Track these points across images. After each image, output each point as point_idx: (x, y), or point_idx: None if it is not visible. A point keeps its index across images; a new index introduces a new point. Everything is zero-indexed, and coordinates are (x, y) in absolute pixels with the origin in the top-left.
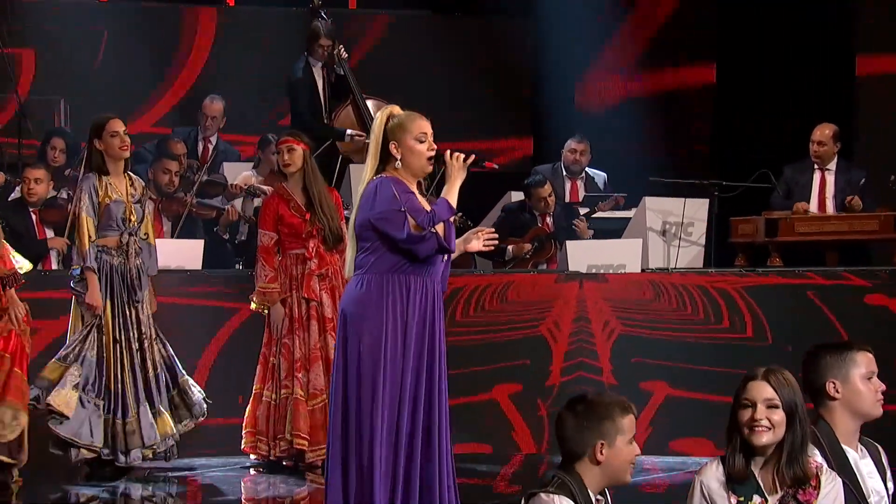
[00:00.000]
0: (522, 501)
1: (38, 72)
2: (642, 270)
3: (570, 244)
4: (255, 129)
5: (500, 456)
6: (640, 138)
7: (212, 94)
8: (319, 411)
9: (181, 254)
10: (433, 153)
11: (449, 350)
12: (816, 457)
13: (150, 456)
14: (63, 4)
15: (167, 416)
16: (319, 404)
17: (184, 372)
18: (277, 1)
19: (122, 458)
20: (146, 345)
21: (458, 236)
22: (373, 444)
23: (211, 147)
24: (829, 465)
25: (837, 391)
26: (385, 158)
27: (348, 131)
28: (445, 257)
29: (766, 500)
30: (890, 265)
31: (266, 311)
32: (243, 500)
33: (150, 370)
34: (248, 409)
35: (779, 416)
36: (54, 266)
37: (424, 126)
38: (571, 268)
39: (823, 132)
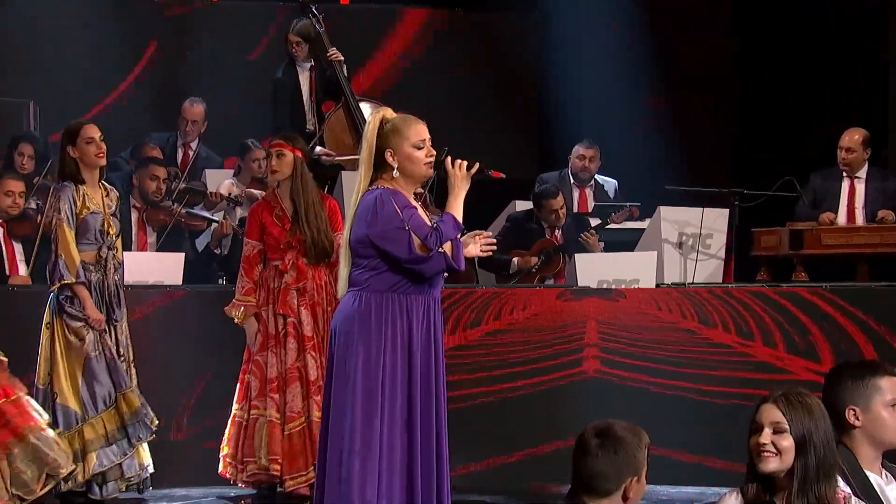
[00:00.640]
0: None
1: (6, 72)
2: (657, 286)
3: (579, 257)
4: (240, 134)
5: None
6: (655, 143)
7: (192, 96)
8: (297, 436)
9: (161, 268)
10: (432, 158)
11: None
12: (843, 486)
13: (124, 489)
14: None
15: (143, 445)
16: (297, 428)
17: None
18: None
19: (97, 490)
20: (126, 364)
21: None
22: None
23: (191, 153)
24: (854, 493)
25: (857, 418)
26: (380, 166)
27: (317, 149)
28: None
29: None
30: None
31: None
32: None
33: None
34: (226, 431)
35: (787, 441)
36: None
37: (422, 131)
38: (581, 282)
39: (852, 137)
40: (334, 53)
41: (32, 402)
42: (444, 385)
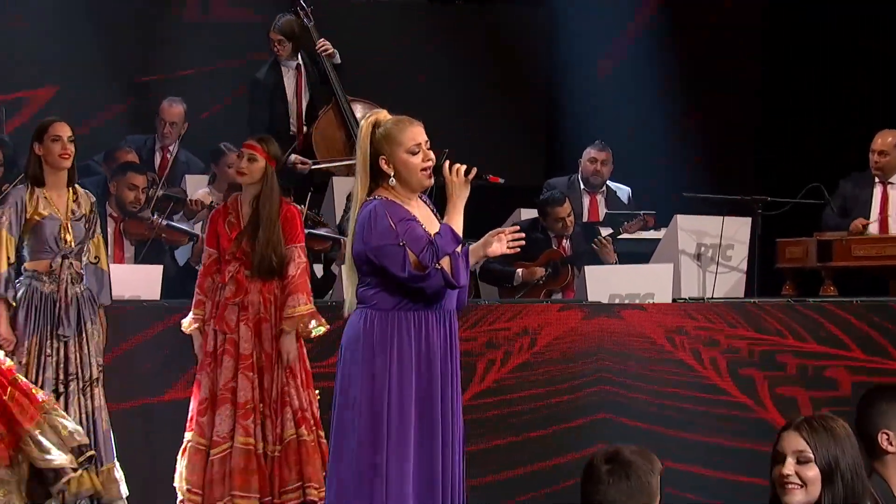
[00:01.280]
0: None
1: None
2: (673, 300)
3: (589, 270)
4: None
5: None
6: (671, 146)
7: (170, 96)
8: (218, 462)
9: (137, 281)
10: (430, 164)
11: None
12: None
13: None
14: None
15: (87, 471)
16: (220, 454)
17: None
18: None
19: None
20: (73, 387)
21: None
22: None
23: (170, 157)
24: None
25: (891, 443)
26: (377, 174)
27: (291, 158)
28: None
29: None
30: None
31: None
32: None
33: (85, 420)
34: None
35: (812, 471)
36: None
37: (417, 134)
38: (591, 297)
39: (885, 140)
40: (323, 45)
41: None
42: (459, 404)
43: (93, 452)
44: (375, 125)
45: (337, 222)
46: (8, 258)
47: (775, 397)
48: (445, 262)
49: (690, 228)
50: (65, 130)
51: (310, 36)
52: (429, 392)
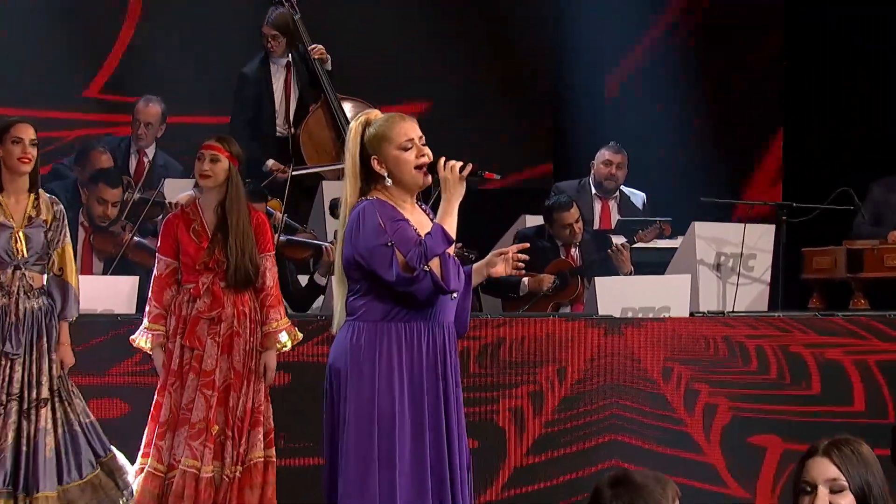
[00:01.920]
0: None
1: None
2: (691, 314)
3: (599, 281)
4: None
5: None
6: (689, 148)
7: (147, 95)
8: (171, 487)
9: (111, 294)
10: (424, 160)
11: None
12: None
13: None
14: None
15: (46, 497)
16: (173, 477)
17: (106, 447)
18: None
19: None
20: (13, 408)
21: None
22: None
23: (147, 160)
24: None
25: None
26: (370, 177)
27: (268, 163)
28: (454, 294)
29: None
30: None
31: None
32: None
33: (24, 444)
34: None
35: (846, 499)
36: None
37: (409, 129)
38: (602, 310)
39: None
40: (316, 49)
41: None
42: (462, 426)
43: None
44: (366, 125)
45: (326, 229)
46: None
47: None
48: (435, 265)
49: (709, 236)
50: (28, 133)
51: (298, 30)
52: (421, 410)
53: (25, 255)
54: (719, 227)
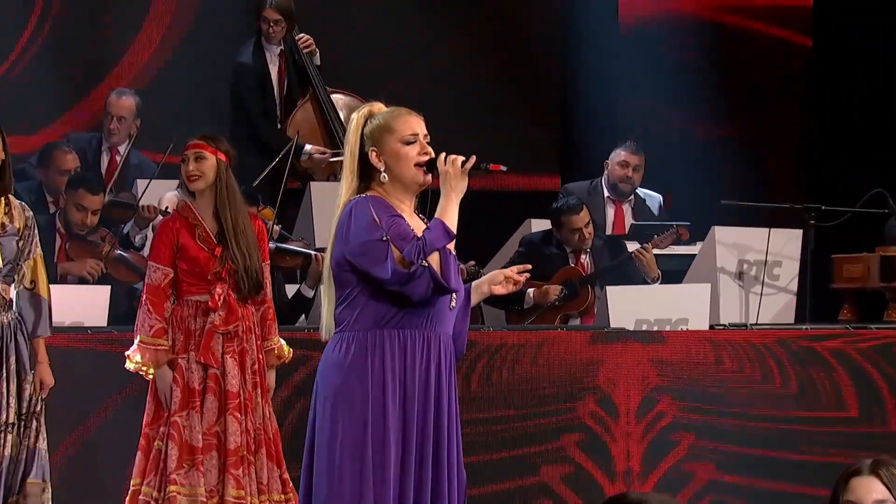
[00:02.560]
0: None
1: None
2: (711, 327)
3: (611, 291)
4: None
5: None
6: (709, 147)
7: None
8: None
9: (81, 305)
10: (425, 158)
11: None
12: None
13: None
14: None
15: None
16: None
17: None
18: None
19: None
20: None
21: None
22: None
23: (119, 159)
24: None
25: None
26: (366, 174)
27: (307, 147)
28: (453, 302)
29: None
30: None
31: (151, 375)
32: None
33: None
34: None
35: None
36: None
37: (414, 124)
38: (614, 322)
39: None
40: (303, 39)
41: None
42: (458, 444)
43: None
44: (368, 117)
45: (315, 235)
46: None
47: None
48: (434, 261)
49: (731, 242)
50: None
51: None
52: (420, 427)
53: (0, 265)
54: (742, 232)
